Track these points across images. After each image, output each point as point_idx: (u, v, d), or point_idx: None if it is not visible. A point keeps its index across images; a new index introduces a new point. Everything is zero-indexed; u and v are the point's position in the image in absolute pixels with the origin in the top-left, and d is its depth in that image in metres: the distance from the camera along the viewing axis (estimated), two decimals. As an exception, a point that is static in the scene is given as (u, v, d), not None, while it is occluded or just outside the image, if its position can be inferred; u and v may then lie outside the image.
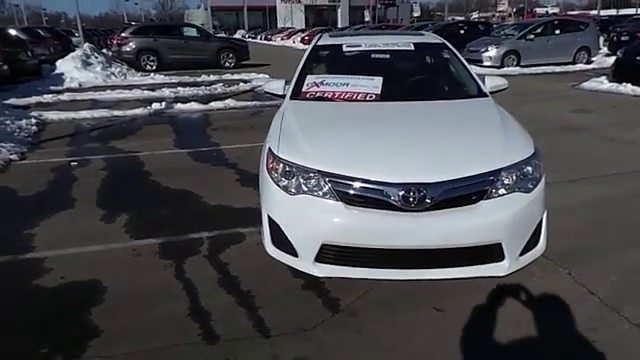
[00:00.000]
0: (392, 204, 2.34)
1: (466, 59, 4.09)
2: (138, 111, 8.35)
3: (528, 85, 10.95)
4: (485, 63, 13.90)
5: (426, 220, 2.34)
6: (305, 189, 2.47)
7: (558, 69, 13.90)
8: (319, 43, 4.08)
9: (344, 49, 3.90)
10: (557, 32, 14.57)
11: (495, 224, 2.39)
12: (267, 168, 2.67)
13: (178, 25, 16.48)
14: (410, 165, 2.47)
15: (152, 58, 15.26)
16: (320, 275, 2.48)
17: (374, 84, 3.43)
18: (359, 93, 3.36)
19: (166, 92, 10.30)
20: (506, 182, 2.46)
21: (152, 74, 13.92)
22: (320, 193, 2.44)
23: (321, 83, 3.51)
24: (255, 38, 45.29)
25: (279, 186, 2.54)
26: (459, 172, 2.41)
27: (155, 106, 8.58)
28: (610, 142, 5.80)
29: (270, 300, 2.61)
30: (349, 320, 2.45)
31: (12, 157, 5.43)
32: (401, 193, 2.33)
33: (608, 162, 4.97)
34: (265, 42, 40.60)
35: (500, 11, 56.12)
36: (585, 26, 15.39)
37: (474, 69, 3.93)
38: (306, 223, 2.47)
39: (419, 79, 3.85)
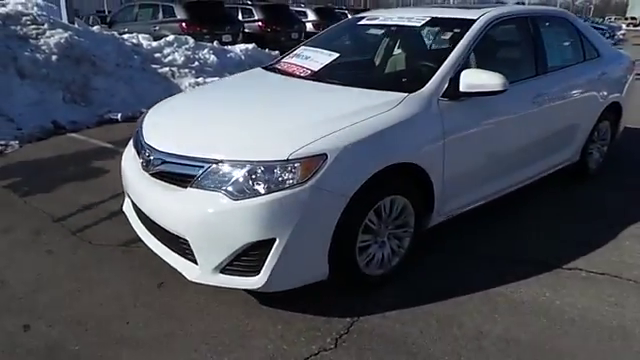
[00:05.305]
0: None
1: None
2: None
3: None
4: None
5: (148, 186, 2.33)
6: None
7: None
8: (357, 15, 3.71)
9: (360, 22, 3.45)
10: None
11: (181, 216, 2.10)
12: None
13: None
14: (177, 132, 2.46)
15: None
16: (123, 209, 2.85)
17: (322, 60, 3.06)
18: (301, 67, 3.09)
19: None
20: (217, 177, 2.05)
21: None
22: None
23: (296, 55, 3.38)
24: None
25: None
26: (185, 150, 2.24)
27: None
28: None
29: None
30: (117, 255, 2.75)
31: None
32: (141, 151, 2.40)
33: None
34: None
35: None
36: None
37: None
38: None
39: (377, 63, 3.04)
